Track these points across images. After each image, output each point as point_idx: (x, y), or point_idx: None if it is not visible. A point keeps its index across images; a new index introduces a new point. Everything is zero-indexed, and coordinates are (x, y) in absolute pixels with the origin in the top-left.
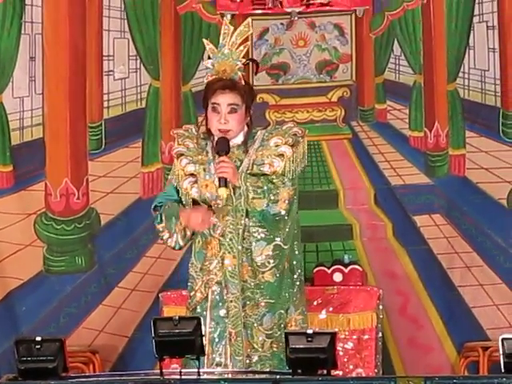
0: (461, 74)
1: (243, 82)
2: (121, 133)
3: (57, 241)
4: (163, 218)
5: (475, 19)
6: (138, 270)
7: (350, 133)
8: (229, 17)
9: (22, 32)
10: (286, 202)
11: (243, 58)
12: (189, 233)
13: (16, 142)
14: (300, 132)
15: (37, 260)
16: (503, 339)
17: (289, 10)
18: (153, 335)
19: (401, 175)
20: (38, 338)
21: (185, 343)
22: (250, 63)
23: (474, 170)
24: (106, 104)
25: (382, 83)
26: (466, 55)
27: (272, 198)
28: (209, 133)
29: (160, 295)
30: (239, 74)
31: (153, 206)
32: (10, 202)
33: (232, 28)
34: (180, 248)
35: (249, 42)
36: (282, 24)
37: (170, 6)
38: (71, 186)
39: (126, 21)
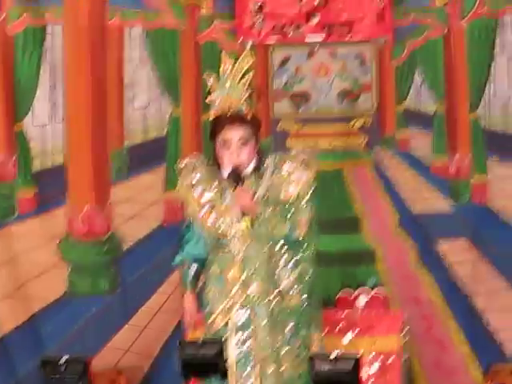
0: (482, 103)
1: (250, 115)
2: (143, 159)
3: (81, 263)
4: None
5: (496, 49)
6: (163, 291)
7: (371, 160)
8: (249, 46)
9: (43, 60)
10: (306, 225)
11: (248, 87)
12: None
13: (37, 169)
14: (309, 155)
15: (61, 282)
16: None
17: (309, 40)
18: (178, 357)
19: (423, 201)
20: (64, 358)
21: (209, 365)
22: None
23: (497, 197)
24: (127, 131)
25: (403, 111)
26: (487, 85)
27: (292, 221)
28: (218, 165)
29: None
30: (245, 106)
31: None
32: (34, 224)
33: (232, 60)
34: None
35: (252, 72)
36: (303, 53)
37: (190, 36)
38: (94, 210)
39: (146, 50)
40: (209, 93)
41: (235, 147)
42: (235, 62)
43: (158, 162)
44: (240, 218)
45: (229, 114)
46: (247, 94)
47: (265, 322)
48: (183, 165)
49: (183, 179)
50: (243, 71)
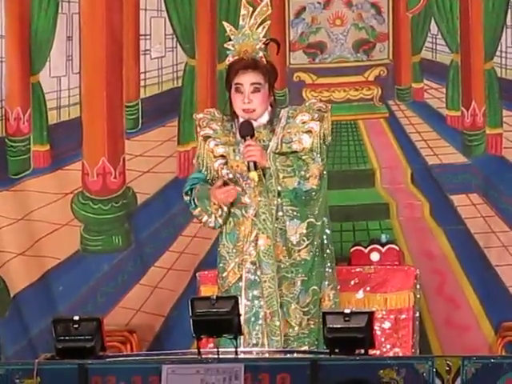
0: (498, 53)
1: (265, 61)
2: (157, 112)
3: (94, 220)
4: (196, 202)
5: None
6: (174, 249)
7: (386, 112)
8: None
9: (59, 11)
10: (317, 177)
11: (264, 37)
12: (226, 209)
13: (53, 122)
14: (324, 107)
15: (74, 239)
16: None
17: None
18: (190, 315)
19: (438, 154)
20: (76, 318)
21: (222, 323)
22: (272, 43)
23: (511, 148)
24: (142, 83)
25: (418, 62)
26: (504, 34)
27: (303, 174)
28: (234, 115)
29: (197, 274)
30: (260, 53)
31: (184, 191)
32: (47, 181)
33: (251, 8)
34: (220, 226)
35: (269, 22)
36: (318, 3)
37: None
38: (108, 165)
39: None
40: (229, 40)
41: (247, 92)
42: (254, 11)
43: (172, 115)
44: (248, 172)
45: (244, 58)
46: (263, 42)
47: (271, 276)
48: (199, 117)
49: (199, 131)
50: (261, 20)
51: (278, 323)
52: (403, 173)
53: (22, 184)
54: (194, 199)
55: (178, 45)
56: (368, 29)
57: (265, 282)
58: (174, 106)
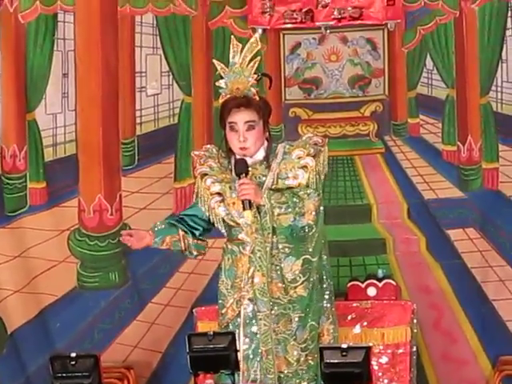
0: (493, 88)
1: (258, 98)
2: (153, 149)
3: (90, 257)
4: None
5: (508, 32)
6: (171, 286)
7: (382, 147)
8: (260, 31)
9: (55, 49)
10: (313, 213)
11: (255, 73)
12: (186, 242)
13: (49, 159)
14: (320, 141)
15: (71, 276)
16: None
17: (320, 24)
18: (187, 351)
19: (434, 189)
20: (73, 354)
21: (220, 358)
22: (264, 78)
23: (508, 183)
24: (138, 120)
25: (414, 97)
26: (499, 69)
27: (298, 211)
28: (229, 152)
29: (194, 310)
30: (253, 90)
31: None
32: (44, 218)
33: (241, 45)
34: (194, 256)
35: (259, 57)
36: (314, 39)
37: (201, 22)
38: (104, 202)
39: (158, 37)
40: (221, 78)
41: (242, 131)
42: (243, 47)
43: (169, 152)
44: (242, 210)
45: (237, 96)
46: (254, 79)
47: (266, 314)
48: (197, 154)
49: (196, 169)
50: (251, 56)
51: (272, 361)
52: (400, 208)
53: (18, 221)
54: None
55: (174, 82)
56: (363, 64)
57: (260, 319)
58: (170, 142)
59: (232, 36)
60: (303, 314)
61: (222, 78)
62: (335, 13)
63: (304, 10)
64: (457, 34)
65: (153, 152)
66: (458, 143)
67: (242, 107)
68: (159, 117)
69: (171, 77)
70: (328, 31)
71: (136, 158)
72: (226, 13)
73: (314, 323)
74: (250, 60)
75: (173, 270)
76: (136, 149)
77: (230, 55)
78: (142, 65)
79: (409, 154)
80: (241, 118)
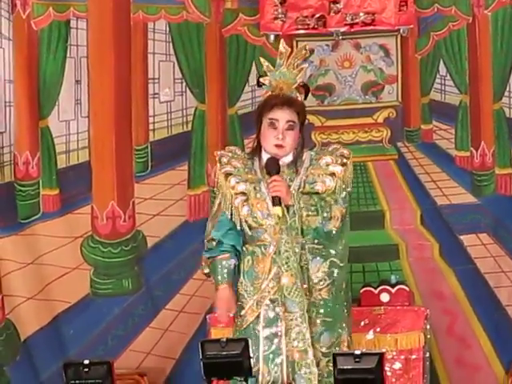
0: (506, 93)
1: (299, 100)
2: (167, 155)
3: (103, 263)
4: (210, 272)
5: None
6: (185, 292)
7: (395, 153)
8: (272, 37)
9: (68, 55)
10: (339, 219)
11: (299, 77)
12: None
13: (62, 166)
14: (347, 153)
15: (84, 283)
16: None
17: (332, 30)
18: (201, 357)
19: (447, 195)
20: (86, 361)
21: (233, 365)
22: (302, 88)
23: None
24: (151, 127)
25: (427, 103)
26: None
27: (325, 215)
28: (255, 151)
29: (207, 317)
30: (295, 93)
31: (210, 237)
32: (57, 225)
33: (289, 49)
34: None
35: (306, 65)
36: (327, 45)
37: (215, 29)
38: (117, 208)
39: (171, 44)
40: (261, 76)
41: (282, 129)
42: (292, 51)
43: (182, 158)
44: (272, 206)
45: (281, 95)
46: (298, 84)
47: (299, 314)
48: (220, 154)
49: (220, 168)
50: (298, 61)
51: (310, 361)
52: (413, 214)
53: (31, 228)
54: (211, 264)
55: (188, 89)
56: (376, 71)
57: (291, 320)
58: (183, 149)
59: (282, 40)
60: (329, 319)
61: (265, 75)
62: (347, 19)
63: (316, 16)
64: (470, 39)
65: (166, 159)
66: (471, 149)
67: (285, 106)
68: (172, 123)
69: (184, 84)
70: (340, 37)
71: (149, 164)
72: (240, 20)
73: (340, 330)
74: (297, 65)
75: (187, 276)
76: (149, 155)
77: (278, 57)
78: (154, 71)
79: (422, 160)
80: (283, 116)
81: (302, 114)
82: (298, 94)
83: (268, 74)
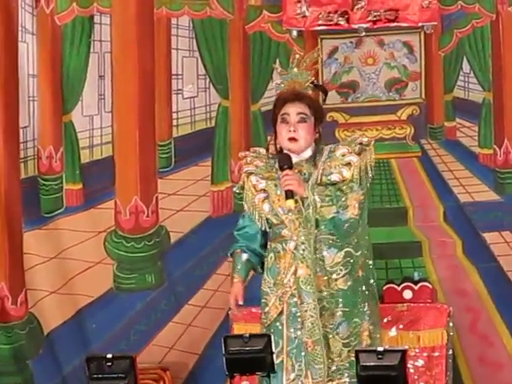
0: None
1: (310, 94)
2: (190, 151)
3: (127, 258)
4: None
5: None
6: (208, 287)
7: (419, 150)
8: (295, 33)
9: (91, 50)
10: (357, 207)
11: (311, 79)
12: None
13: (86, 161)
14: (366, 140)
15: (107, 277)
16: None
17: (355, 26)
18: (223, 352)
19: (470, 192)
20: (109, 356)
21: (255, 360)
22: (316, 87)
23: None
24: (175, 122)
25: (451, 101)
26: None
27: (341, 204)
28: (277, 151)
29: (230, 312)
30: (309, 91)
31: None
32: (80, 219)
33: (302, 53)
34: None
35: (318, 65)
36: (351, 42)
37: (238, 26)
38: (141, 203)
39: (194, 40)
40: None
41: (293, 122)
42: (304, 54)
43: (206, 154)
44: (285, 199)
45: (290, 91)
46: (310, 82)
47: (313, 306)
48: (244, 155)
49: (243, 168)
50: (310, 63)
51: (320, 352)
52: (436, 211)
53: (54, 222)
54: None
55: (211, 85)
56: (400, 68)
57: (305, 311)
58: (206, 145)
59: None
60: (347, 309)
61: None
62: (371, 15)
63: (339, 12)
64: (493, 36)
65: (189, 154)
66: (495, 146)
67: (295, 100)
68: (196, 119)
69: (208, 80)
70: (364, 33)
71: (173, 160)
72: (264, 17)
73: (357, 320)
74: (310, 66)
75: (210, 271)
76: (173, 151)
77: (290, 59)
78: (178, 67)
79: (445, 158)
80: (293, 109)
81: (313, 107)
82: (311, 93)
83: (281, 77)
